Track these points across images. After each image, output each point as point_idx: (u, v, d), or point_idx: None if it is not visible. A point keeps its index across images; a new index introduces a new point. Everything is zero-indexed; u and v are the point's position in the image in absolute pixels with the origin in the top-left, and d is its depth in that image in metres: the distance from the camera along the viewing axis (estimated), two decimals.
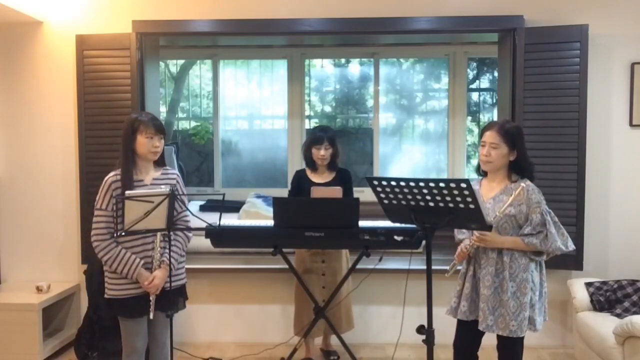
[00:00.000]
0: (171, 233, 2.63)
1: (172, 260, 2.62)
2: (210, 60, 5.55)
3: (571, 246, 2.52)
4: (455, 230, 2.76)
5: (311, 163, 3.55)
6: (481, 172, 2.70)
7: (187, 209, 2.72)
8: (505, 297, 2.50)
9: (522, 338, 2.58)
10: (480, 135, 2.65)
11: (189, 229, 2.75)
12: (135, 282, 2.58)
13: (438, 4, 3.86)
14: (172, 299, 2.66)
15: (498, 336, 2.58)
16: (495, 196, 2.58)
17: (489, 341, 2.71)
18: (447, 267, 2.74)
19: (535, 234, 2.48)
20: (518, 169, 2.58)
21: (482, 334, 2.64)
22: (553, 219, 2.49)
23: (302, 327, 3.53)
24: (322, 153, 3.46)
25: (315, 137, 3.49)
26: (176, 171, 2.83)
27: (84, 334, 3.69)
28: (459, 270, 2.73)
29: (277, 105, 5.86)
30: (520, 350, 2.61)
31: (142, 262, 2.59)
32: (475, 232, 2.54)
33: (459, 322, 2.71)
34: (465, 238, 2.67)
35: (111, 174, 2.61)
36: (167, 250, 2.60)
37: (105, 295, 2.64)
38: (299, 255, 3.60)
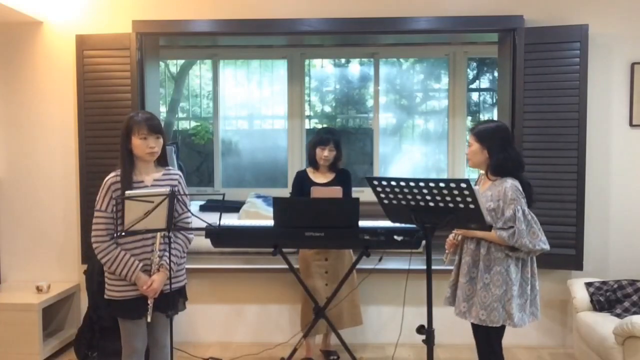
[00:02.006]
0: (171, 235, 2.62)
1: (171, 263, 2.60)
2: (210, 60, 5.56)
3: (540, 246, 2.54)
4: None
5: (314, 162, 3.61)
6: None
7: (189, 210, 2.70)
8: (478, 287, 2.62)
9: (497, 329, 2.62)
10: None
11: (189, 229, 2.74)
12: (134, 283, 2.56)
13: (438, 4, 3.86)
14: (172, 300, 2.65)
15: (474, 327, 2.70)
16: (483, 192, 2.67)
17: (509, 340, 2.73)
18: (449, 267, 2.87)
19: (506, 229, 2.55)
20: (491, 166, 2.67)
21: None
22: (526, 217, 2.54)
23: (307, 324, 3.54)
24: (325, 154, 3.53)
25: (321, 138, 3.57)
26: (179, 171, 2.78)
27: (84, 334, 3.69)
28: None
29: (277, 105, 5.86)
30: (494, 340, 2.66)
31: (141, 264, 2.56)
32: None
33: (472, 325, 2.75)
34: None
35: (111, 174, 2.57)
36: (166, 253, 2.58)
37: (105, 296, 2.63)
38: (302, 253, 3.62)
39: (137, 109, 3.77)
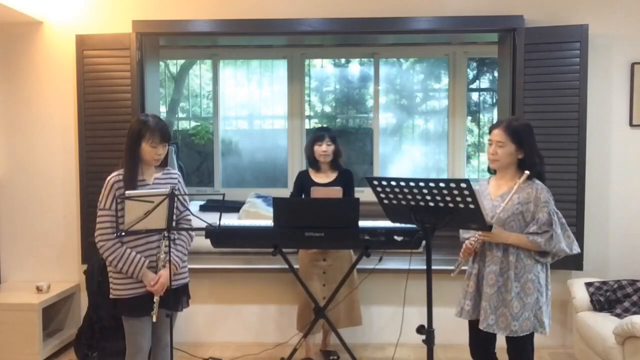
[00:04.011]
0: (175, 232, 2.63)
1: (176, 259, 2.64)
2: (210, 60, 5.55)
3: (576, 249, 2.49)
4: (460, 230, 2.71)
5: (314, 162, 3.61)
6: (491, 170, 2.68)
7: (188, 209, 2.73)
8: (508, 297, 2.48)
9: (532, 337, 2.55)
10: (489, 133, 2.62)
11: (189, 229, 2.75)
12: (140, 281, 2.57)
13: (438, 4, 3.86)
14: (176, 298, 2.67)
15: (506, 338, 2.55)
16: (503, 194, 2.54)
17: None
18: (449, 267, 2.74)
19: (540, 233, 2.44)
20: (527, 167, 2.50)
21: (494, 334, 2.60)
22: (560, 220, 2.46)
23: (304, 324, 3.54)
24: (323, 148, 3.54)
25: (316, 135, 3.60)
26: (177, 171, 2.83)
27: (84, 334, 3.69)
28: (464, 271, 2.68)
29: (277, 105, 5.85)
30: (529, 350, 2.57)
31: (147, 261, 2.58)
32: None
33: (470, 323, 2.68)
34: (471, 236, 2.61)
35: (114, 173, 2.60)
36: (171, 250, 2.61)
37: (111, 296, 2.62)
38: (301, 253, 3.62)
39: (137, 109, 3.78)
